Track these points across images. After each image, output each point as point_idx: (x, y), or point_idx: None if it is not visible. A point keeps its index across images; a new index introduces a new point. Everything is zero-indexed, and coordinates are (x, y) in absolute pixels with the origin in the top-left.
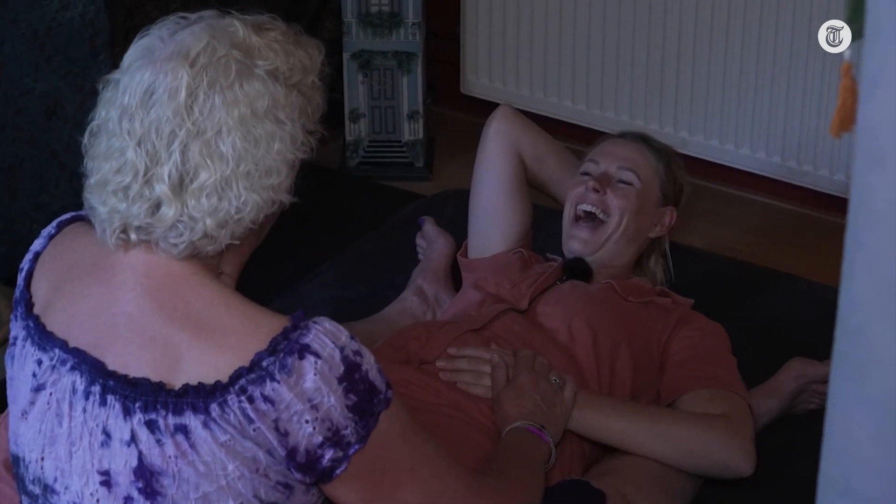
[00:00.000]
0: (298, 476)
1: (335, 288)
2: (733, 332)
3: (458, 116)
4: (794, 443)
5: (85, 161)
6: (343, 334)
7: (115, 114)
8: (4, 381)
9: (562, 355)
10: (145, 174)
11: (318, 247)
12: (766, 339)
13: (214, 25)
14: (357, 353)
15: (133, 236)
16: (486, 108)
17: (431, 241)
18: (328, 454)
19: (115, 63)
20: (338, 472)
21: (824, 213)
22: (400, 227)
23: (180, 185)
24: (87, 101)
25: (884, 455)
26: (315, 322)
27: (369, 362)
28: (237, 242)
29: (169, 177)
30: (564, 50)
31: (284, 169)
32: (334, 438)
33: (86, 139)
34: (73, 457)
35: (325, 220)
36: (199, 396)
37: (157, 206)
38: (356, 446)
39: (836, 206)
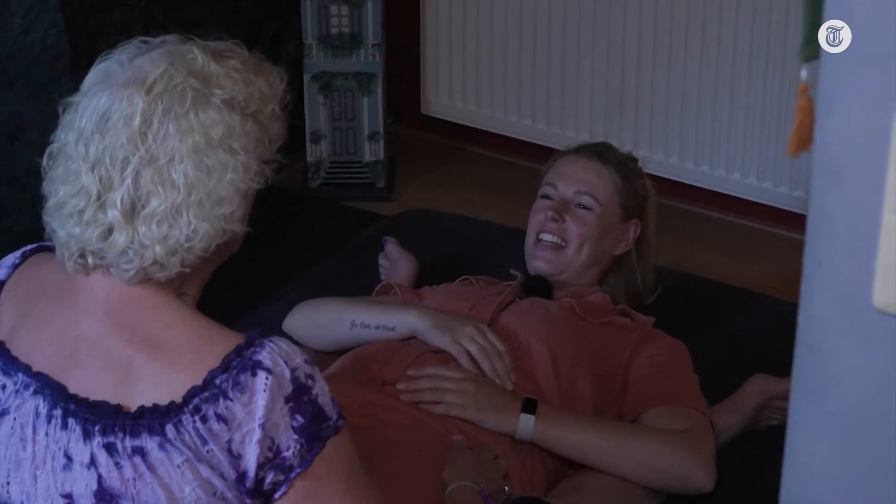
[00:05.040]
0: (249, 502)
1: None
2: (695, 350)
3: (419, 136)
4: (755, 459)
5: (44, 183)
6: (298, 356)
7: (72, 137)
8: None
9: (520, 375)
10: (98, 199)
11: (280, 268)
12: (728, 356)
13: (174, 52)
14: (309, 376)
15: (90, 260)
16: (446, 127)
17: (394, 261)
18: (269, 476)
19: (76, 87)
20: (277, 495)
21: (784, 229)
22: (362, 248)
23: (132, 212)
24: (49, 125)
25: (844, 472)
26: (271, 340)
27: (321, 388)
28: (187, 270)
29: (121, 202)
30: (524, 69)
31: (237, 198)
32: (275, 460)
33: (45, 161)
34: (37, 480)
35: (287, 242)
36: (155, 418)
37: (110, 231)
38: (298, 469)
39: (797, 222)
